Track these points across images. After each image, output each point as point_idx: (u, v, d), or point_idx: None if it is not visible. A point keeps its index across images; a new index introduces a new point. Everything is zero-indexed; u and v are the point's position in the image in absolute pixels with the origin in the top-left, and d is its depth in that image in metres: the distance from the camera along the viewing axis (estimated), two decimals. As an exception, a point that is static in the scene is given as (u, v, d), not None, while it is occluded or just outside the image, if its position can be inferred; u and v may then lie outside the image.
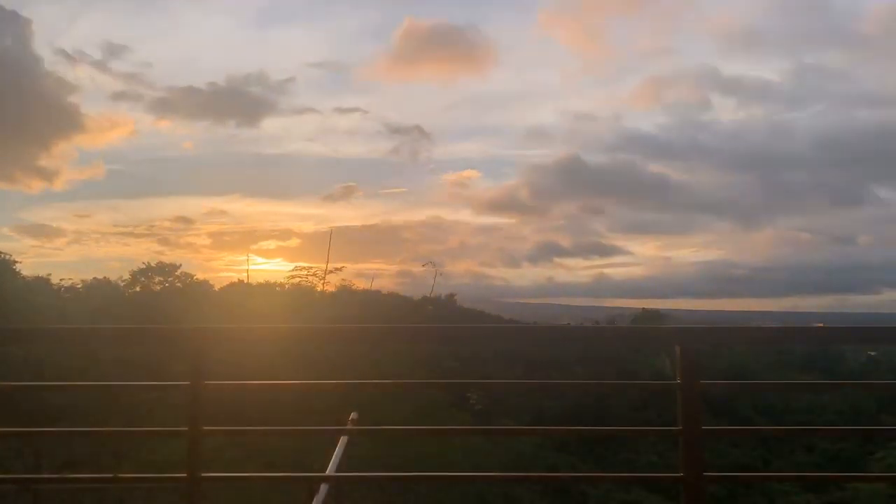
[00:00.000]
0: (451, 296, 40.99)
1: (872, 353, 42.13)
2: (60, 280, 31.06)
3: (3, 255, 28.26)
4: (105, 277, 33.92)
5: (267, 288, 34.77)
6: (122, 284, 32.97)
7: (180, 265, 33.82)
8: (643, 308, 49.02)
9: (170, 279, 33.06)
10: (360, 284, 38.56)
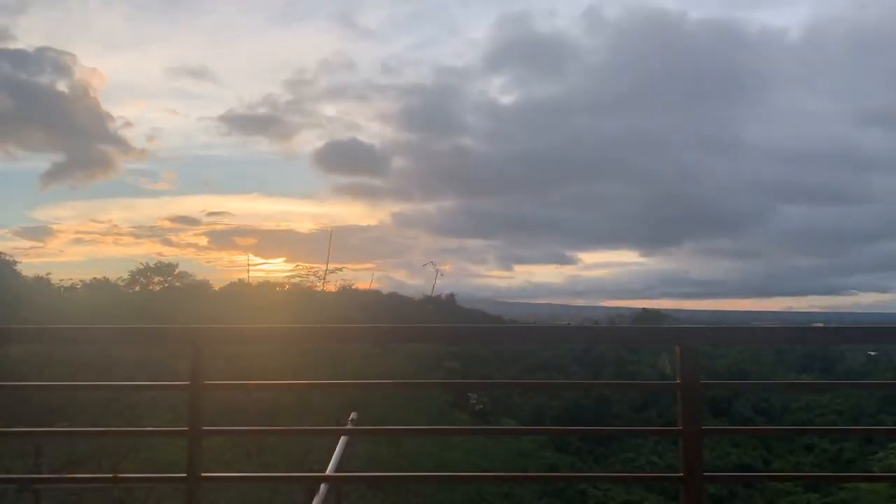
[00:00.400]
0: (452, 296, 41.04)
1: (872, 353, 42.21)
2: (60, 280, 31.16)
3: (3, 256, 28.31)
4: (105, 277, 33.99)
5: (267, 288, 34.79)
6: (121, 284, 33.03)
7: (178, 265, 33.94)
8: (643, 308, 49.09)
9: (169, 279, 33.13)
10: (360, 285, 38.62)
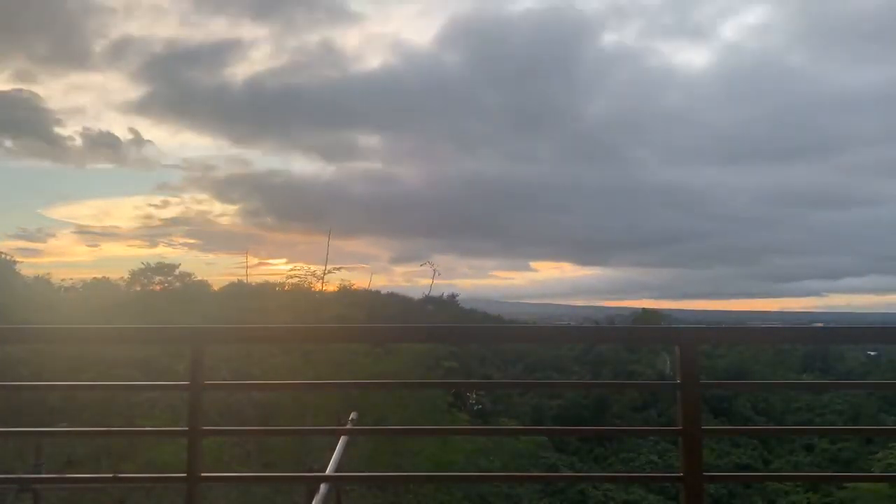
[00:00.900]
0: (453, 296, 41.03)
1: (872, 353, 42.23)
2: (61, 280, 31.16)
3: (2, 255, 28.30)
4: (105, 277, 34.01)
5: (266, 288, 34.70)
6: (122, 284, 33.05)
7: (179, 265, 33.92)
8: (643, 308, 49.09)
9: (169, 279, 33.13)
10: (358, 283, 38.54)
